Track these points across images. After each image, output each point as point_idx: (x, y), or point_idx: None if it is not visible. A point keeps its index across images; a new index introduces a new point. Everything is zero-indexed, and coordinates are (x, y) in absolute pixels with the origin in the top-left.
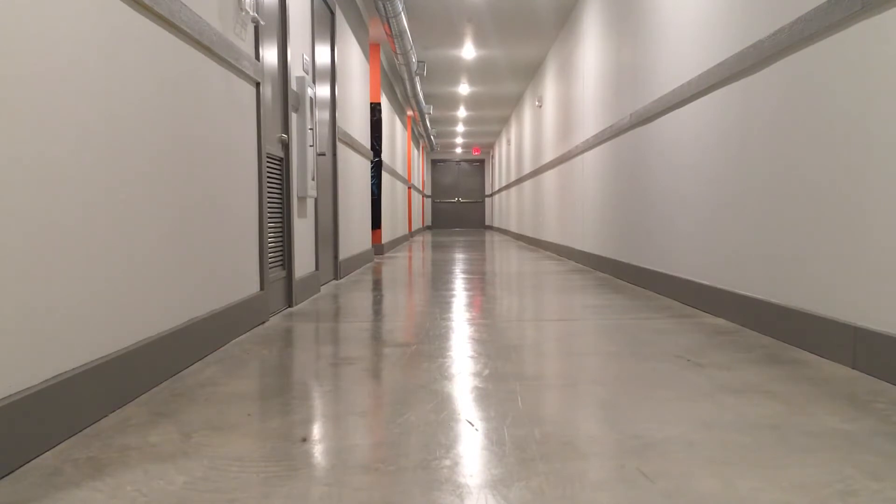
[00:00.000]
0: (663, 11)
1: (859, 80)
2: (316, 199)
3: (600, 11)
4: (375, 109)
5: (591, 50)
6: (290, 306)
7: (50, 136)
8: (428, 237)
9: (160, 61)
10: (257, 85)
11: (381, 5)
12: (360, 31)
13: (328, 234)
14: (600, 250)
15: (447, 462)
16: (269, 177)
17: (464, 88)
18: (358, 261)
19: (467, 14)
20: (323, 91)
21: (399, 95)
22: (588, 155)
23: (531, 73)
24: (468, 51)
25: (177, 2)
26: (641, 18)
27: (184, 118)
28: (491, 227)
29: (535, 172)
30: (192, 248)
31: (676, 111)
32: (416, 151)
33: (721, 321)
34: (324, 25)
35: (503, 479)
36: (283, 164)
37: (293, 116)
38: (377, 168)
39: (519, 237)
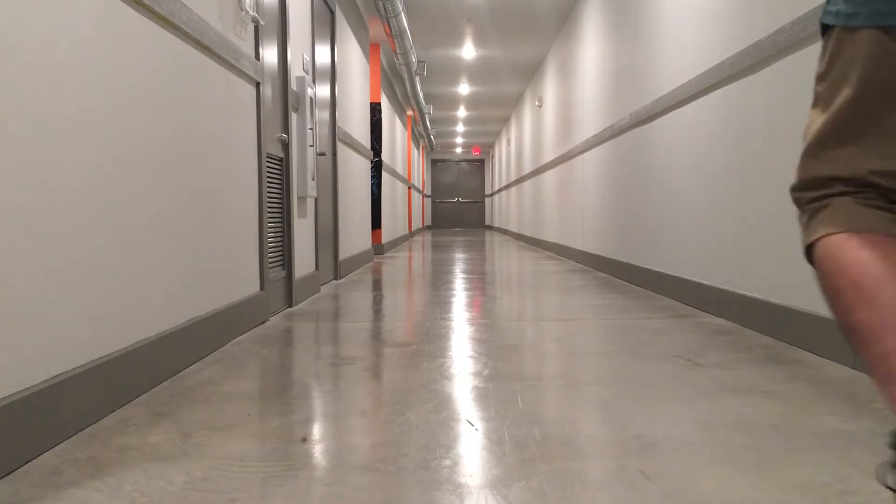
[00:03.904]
0: (663, 11)
1: None
2: (316, 199)
3: (600, 11)
4: (375, 109)
5: (590, 50)
6: (290, 306)
7: (48, 136)
8: (428, 237)
9: (159, 61)
10: (257, 85)
11: (381, 5)
12: (360, 31)
13: (328, 233)
14: (600, 250)
15: (447, 462)
16: (269, 177)
17: (464, 88)
18: (358, 261)
19: (467, 14)
20: (323, 91)
21: (399, 95)
22: (588, 155)
23: (531, 73)
24: (468, 51)
25: (177, 2)
26: (641, 18)
27: (184, 118)
28: (491, 227)
29: (535, 172)
30: (191, 248)
31: (676, 111)
32: (416, 151)
33: (721, 321)
34: (324, 25)
35: (503, 478)
36: (283, 164)
37: (293, 116)
38: (377, 168)
39: (519, 237)
